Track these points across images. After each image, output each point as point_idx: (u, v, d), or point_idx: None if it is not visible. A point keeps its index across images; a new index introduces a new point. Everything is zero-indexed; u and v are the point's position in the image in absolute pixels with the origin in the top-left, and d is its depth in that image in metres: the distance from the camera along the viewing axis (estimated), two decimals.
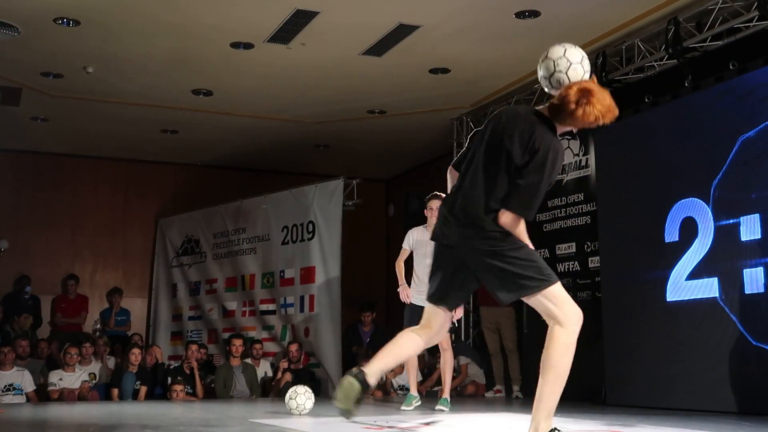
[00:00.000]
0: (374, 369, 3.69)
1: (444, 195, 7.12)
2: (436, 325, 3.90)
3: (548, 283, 3.68)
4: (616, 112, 3.65)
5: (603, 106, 3.64)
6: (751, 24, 6.70)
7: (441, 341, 6.92)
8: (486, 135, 3.77)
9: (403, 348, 3.88)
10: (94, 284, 12.21)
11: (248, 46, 8.12)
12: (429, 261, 6.86)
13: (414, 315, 6.98)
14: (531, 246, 3.76)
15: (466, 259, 3.72)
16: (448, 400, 6.97)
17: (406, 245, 7.19)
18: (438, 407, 6.83)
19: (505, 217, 3.63)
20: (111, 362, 9.97)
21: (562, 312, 3.68)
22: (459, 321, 7.18)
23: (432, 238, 3.90)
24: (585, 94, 3.61)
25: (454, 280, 3.83)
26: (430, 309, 3.90)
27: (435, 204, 6.94)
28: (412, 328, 3.94)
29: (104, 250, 12.37)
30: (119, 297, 11.63)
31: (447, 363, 7.08)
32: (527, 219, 3.72)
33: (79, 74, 8.82)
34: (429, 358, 10.18)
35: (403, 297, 7.02)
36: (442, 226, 3.81)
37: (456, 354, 9.53)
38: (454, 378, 9.43)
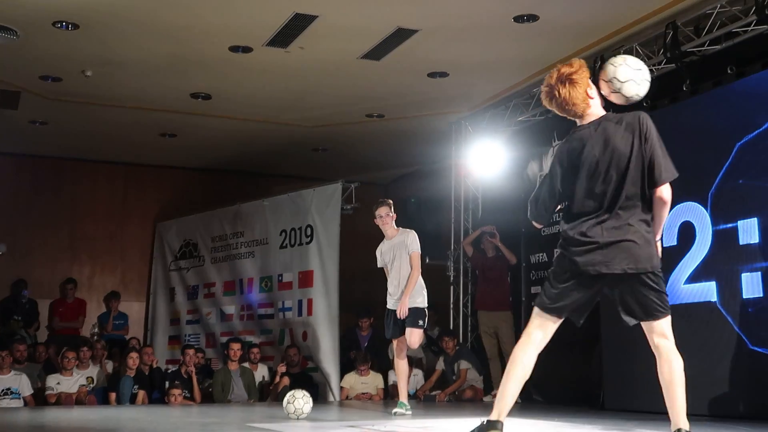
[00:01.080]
0: (503, 407, 3.91)
1: (390, 201, 7.22)
2: (551, 334, 4.00)
3: None
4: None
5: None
6: (749, 28, 6.71)
7: (400, 350, 6.96)
8: None
9: (528, 369, 4.03)
10: (92, 288, 12.20)
11: (247, 49, 8.12)
12: (396, 263, 6.96)
13: (387, 321, 7.06)
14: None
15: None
16: (404, 403, 6.96)
17: (379, 263, 7.28)
18: (396, 410, 6.85)
19: None
20: (109, 366, 9.95)
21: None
22: (424, 320, 7.18)
23: None
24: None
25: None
26: (554, 319, 3.93)
27: (383, 211, 7.12)
28: (523, 344, 4.01)
29: (102, 254, 12.37)
30: (117, 301, 11.62)
31: (400, 369, 7.11)
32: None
33: (78, 78, 8.82)
34: (427, 361, 10.19)
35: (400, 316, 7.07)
36: None
37: (457, 358, 9.53)
38: (453, 381, 9.44)
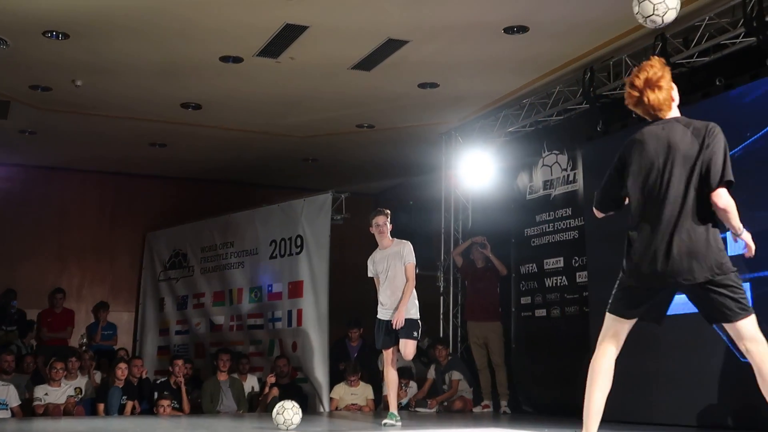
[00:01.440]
0: (591, 424, 3.85)
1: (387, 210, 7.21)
2: (624, 337, 3.94)
3: None
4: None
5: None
6: (738, 40, 6.76)
7: (391, 360, 6.94)
8: None
9: (609, 381, 3.94)
10: (81, 298, 12.15)
11: (237, 60, 8.12)
12: (390, 273, 6.95)
13: (379, 331, 7.03)
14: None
15: None
16: (394, 414, 6.93)
17: (370, 272, 7.24)
18: (386, 421, 6.82)
19: None
20: (97, 377, 9.90)
21: None
22: (418, 331, 7.17)
23: None
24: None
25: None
26: (625, 324, 3.90)
27: (380, 220, 7.11)
28: (599, 357, 3.92)
29: (91, 264, 12.33)
30: (105, 311, 11.55)
31: (390, 379, 7.06)
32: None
33: (68, 87, 8.80)
34: (417, 371, 10.17)
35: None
36: None
37: (448, 369, 9.52)
38: (444, 391, 9.43)
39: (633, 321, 3.90)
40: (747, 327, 3.73)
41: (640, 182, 3.78)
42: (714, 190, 3.69)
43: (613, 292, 3.94)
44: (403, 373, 9.52)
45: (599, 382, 3.89)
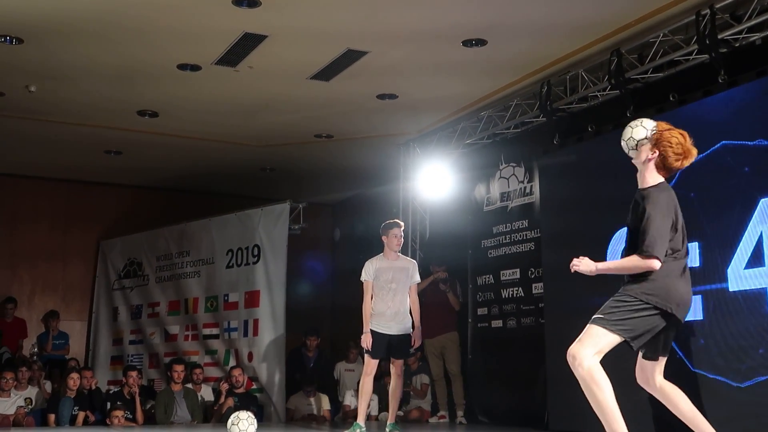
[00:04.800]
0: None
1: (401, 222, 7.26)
2: None
3: None
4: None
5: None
6: (691, 57, 6.88)
7: (396, 367, 6.97)
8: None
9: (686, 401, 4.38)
10: (33, 307, 11.93)
11: (195, 68, 8.07)
12: (394, 286, 6.99)
13: (379, 343, 6.97)
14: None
15: None
16: (396, 424, 7.03)
17: (368, 277, 7.17)
18: None
19: None
20: (48, 387, 9.73)
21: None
22: (418, 348, 7.31)
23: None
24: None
25: None
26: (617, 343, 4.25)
27: (398, 231, 7.20)
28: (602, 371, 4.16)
29: (43, 272, 12.11)
30: (56, 320, 11.37)
31: (397, 389, 7.15)
32: None
33: (21, 93, 8.66)
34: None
35: (365, 344, 7.05)
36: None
37: (418, 372, 9.52)
38: (409, 394, 9.44)
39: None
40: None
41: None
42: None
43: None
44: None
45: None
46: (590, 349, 4.14)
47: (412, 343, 7.13)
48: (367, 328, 7.03)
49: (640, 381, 4.50)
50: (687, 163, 4.35)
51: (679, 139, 4.32)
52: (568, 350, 4.19)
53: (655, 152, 4.32)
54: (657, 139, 4.32)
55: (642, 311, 4.18)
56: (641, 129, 4.39)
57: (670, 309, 4.18)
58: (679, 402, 4.35)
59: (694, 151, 4.36)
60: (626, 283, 4.28)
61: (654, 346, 4.35)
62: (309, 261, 12.59)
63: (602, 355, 4.18)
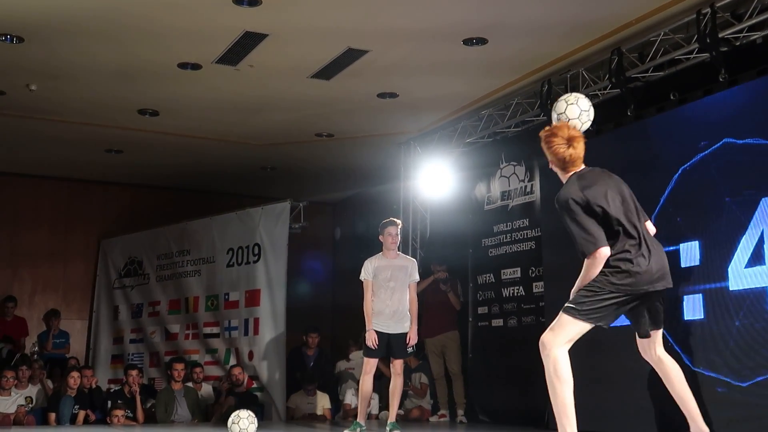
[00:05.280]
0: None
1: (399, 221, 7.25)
2: None
3: None
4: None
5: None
6: (692, 56, 6.88)
7: (396, 366, 6.96)
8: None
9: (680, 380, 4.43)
10: (33, 306, 11.94)
11: (196, 66, 8.07)
12: (392, 284, 6.98)
13: (379, 342, 6.98)
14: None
15: None
16: (396, 423, 7.01)
17: (367, 276, 7.17)
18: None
19: None
20: (49, 385, 9.73)
21: None
22: (415, 346, 7.27)
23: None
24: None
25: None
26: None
27: (394, 230, 7.17)
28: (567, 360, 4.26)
29: (44, 271, 12.11)
30: (57, 319, 11.37)
31: (397, 388, 7.11)
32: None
33: (22, 92, 8.66)
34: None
35: (370, 342, 7.03)
36: None
37: (417, 371, 9.51)
38: (407, 393, 9.44)
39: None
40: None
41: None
42: None
43: None
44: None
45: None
46: (560, 338, 4.24)
47: (407, 341, 7.08)
48: (369, 326, 7.03)
49: (641, 352, 4.55)
50: (579, 145, 4.40)
51: (557, 134, 4.40)
52: (540, 338, 4.31)
53: (550, 159, 4.46)
54: (545, 148, 4.45)
55: (612, 298, 4.22)
56: (554, 113, 4.60)
57: (640, 291, 4.22)
58: (673, 379, 4.42)
59: (574, 132, 4.42)
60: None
61: (641, 324, 4.42)
62: (309, 260, 12.60)
63: (572, 343, 4.27)
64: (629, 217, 4.33)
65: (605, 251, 4.20)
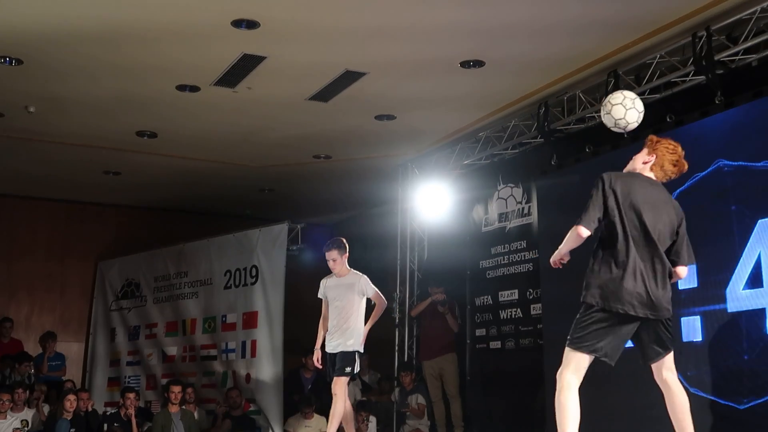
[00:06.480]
0: None
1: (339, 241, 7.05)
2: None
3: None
4: None
5: None
6: (687, 78, 6.92)
7: (334, 386, 6.81)
8: None
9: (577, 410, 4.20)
10: (30, 327, 11.88)
11: (194, 88, 8.09)
12: (338, 303, 6.86)
13: (327, 362, 6.92)
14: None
15: None
16: None
17: (319, 294, 7.16)
18: None
19: None
20: (45, 409, 9.67)
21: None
22: (354, 366, 6.98)
23: None
24: None
25: None
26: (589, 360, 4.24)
27: (332, 255, 7.01)
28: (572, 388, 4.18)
29: (41, 293, 12.07)
30: (53, 341, 11.32)
31: (335, 410, 6.81)
32: None
33: (21, 113, 8.68)
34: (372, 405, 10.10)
35: (314, 363, 7.04)
36: None
37: (414, 392, 9.46)
38: (405, 414, 9.36)
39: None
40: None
41: None
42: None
43: None
44: (363, 406, 9.47)
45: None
46: (567, 371, 4.22)
47: (345, 359, 6.82)
48: (317, 345, 7.01)
49: (655, 377, 4.48)
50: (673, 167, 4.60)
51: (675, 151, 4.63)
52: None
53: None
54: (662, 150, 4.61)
55: (599, 321, 4.19)
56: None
57: (622, 310, 4.16)
58: (676, 406, 4.34)
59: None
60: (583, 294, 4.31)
61: (643, 348, 4.36)
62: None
63: (581, 373, 4.23)
64: (649, 239, 4.27)
65: (583, 232, 4.28)
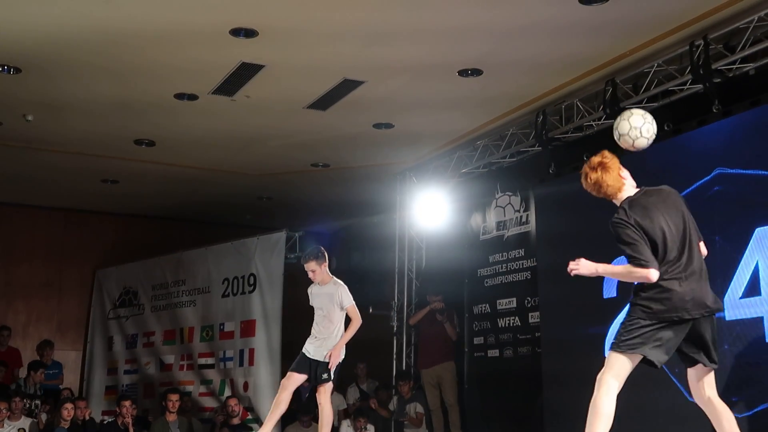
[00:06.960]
0: None
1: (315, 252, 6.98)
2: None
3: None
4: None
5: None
6: (685, 87, 6.93)
7: (318, 394, 6.79)
8: None
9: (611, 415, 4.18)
10: (27, 336, 11.86)
11: (192, 97, 8.10)
12: (321, 312, 6.84)
13: (301, 361, 6.84)
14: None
15: None
16: None
17: (312, 303, 7.10)
18: None
19: None
20: (43, 417, 9.65)
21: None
22: (332, 372, 6.91)
23: None
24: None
25: None
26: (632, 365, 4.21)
27: (309, 267, 6.89)
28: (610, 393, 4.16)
29: (39, 301, 12.06)
30: (50, 350, 11.29)
31: (323, 419, 6.76)
32: None
33: (19, 122, 8.68)
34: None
35: None
36: None
37: (412, 401, 9.44)
38: (403, 424, 9.33)
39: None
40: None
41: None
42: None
43: None
44: (362, 413, 9.46)
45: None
46: (608, 376, 4.17)
47: (326, 358, 6.75)
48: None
49: (692, 392, 4.43)
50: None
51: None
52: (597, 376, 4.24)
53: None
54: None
55: (649, 326, 4.16)
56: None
57: (676, 318, 4.14)
58: (724, 423, 4.25)
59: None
60: (631, 302, 4.28)
61: (686, 357, 4.30)
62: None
63: (622, 379, 4.19)
64: (675, 248, 4.31)
65: (654, 275, 4.17)
